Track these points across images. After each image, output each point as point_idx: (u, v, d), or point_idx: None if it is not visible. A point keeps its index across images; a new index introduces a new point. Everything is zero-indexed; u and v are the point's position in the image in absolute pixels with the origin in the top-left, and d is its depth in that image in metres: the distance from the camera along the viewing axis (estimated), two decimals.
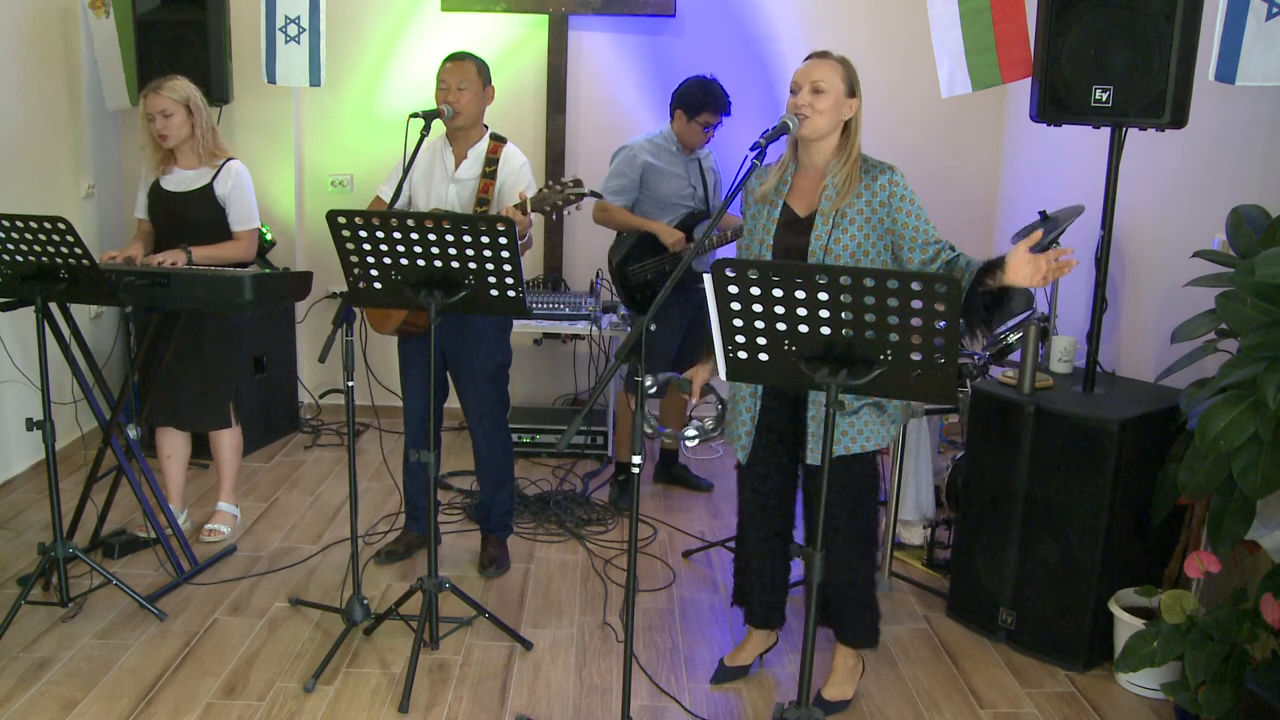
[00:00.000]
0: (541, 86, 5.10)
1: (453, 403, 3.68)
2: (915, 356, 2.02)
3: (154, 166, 3.61)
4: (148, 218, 3.66)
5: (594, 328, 4.69)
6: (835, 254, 2.56)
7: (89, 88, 4.76)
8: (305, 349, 5.30)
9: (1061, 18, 3.12)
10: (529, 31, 5.08)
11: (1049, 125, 3.24)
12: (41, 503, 4.06)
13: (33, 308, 3.01)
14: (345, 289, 2.86)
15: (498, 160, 3.39)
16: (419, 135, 3.25)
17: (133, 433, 3.51)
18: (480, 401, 3.52)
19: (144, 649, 3.06)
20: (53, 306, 3.17)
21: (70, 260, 2.93)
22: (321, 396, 5.44)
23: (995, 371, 3.47)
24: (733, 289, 2.05)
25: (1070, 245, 3.87)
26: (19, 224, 2.85)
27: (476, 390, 3.51)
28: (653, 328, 2.22)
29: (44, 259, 2.94)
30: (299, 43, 4.40)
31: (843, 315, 2.01)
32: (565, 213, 3.15)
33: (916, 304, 1.94)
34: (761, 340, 2.11)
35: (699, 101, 3.99)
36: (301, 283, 3.47)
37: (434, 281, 2.77)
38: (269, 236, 4.78)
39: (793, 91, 2.58)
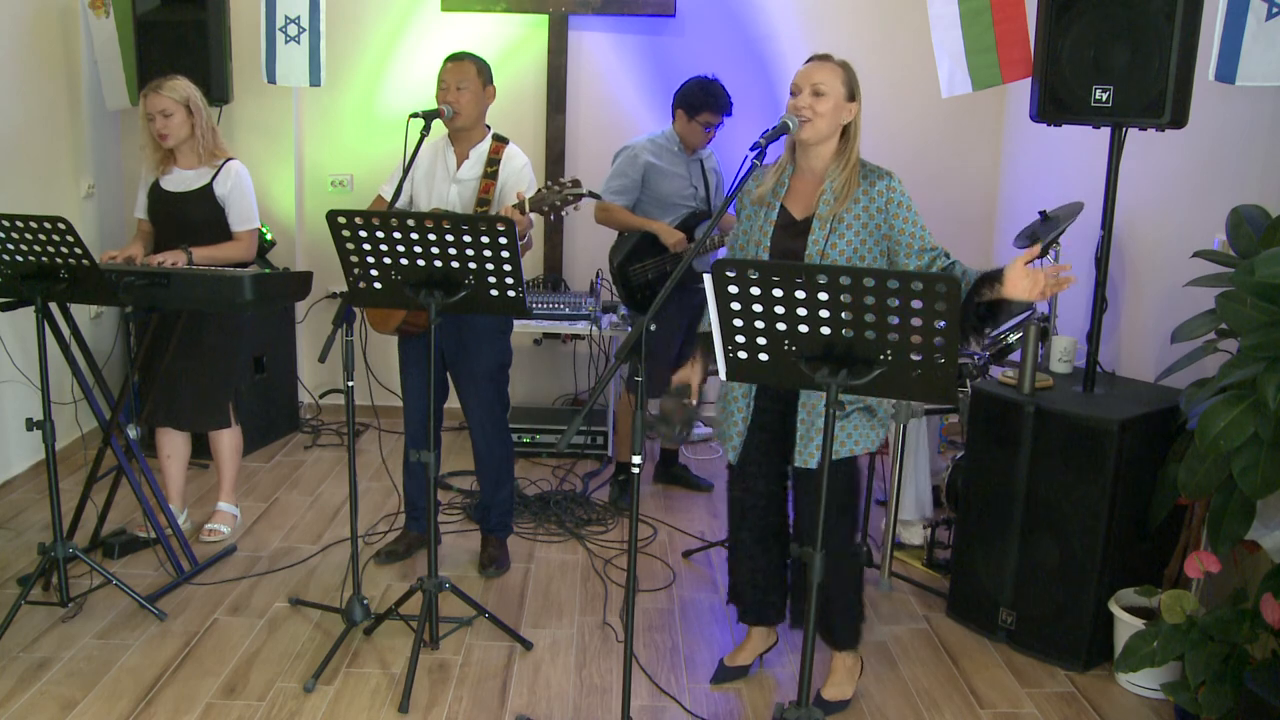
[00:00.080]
0: (541, 86, 5.10)
1: (453, 403, 3.68)
2: (915, 356, 2.02)
3: (154, 166, 3.61)
4: (148, 218, 3.66)
5: (594, 328, 4.69)
6: (832, 258, 2.56)
7: (89, 88, 4.76)
8: (305, 349, 5.30)
9: (1061, 18, 3.12)
10: (529, 31, 5.08)
11: (1049, 125, 3.24)
12: (41, 503, 4.06)
13: (33, 308, 3.01)
14: (345, 289, 2.86)
15: (499, 160, 3.39)
16: (419, 135, 3.25)
17: (133, 433, 3.51)
18: (480, 401, 3.52)
19: (144, 649, 3.06)
20: (53, 306, 3.17)
21: (70, 260, 2.92)
22: (321, 396, 5.44)
23: (995, 371, 3.47)
24: (733, 289, 2.05)
25: (1070, 246, 3.89)
26: (19, 224, 2.85)
27: (476, 390, 3.51)
28: (653, 328, 2.22)
29: (44, 259, 2.94)
30: (299, 43, 4.40)
31: (843, 315, 2.01)
32: (564, 213, 3.15)
33: (916, 304, 1.94)
34: (761, 340, 2.11)
35: (700, 101, 3.99)
36: (301, 283, 3.47)
37: (434, 281, 2.77)
38: (269, 236, 4.78)
39: (793, 94, 2.58)
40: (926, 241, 2.56)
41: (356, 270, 2.79)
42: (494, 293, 2.77)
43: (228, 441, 3.86)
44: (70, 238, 2.85)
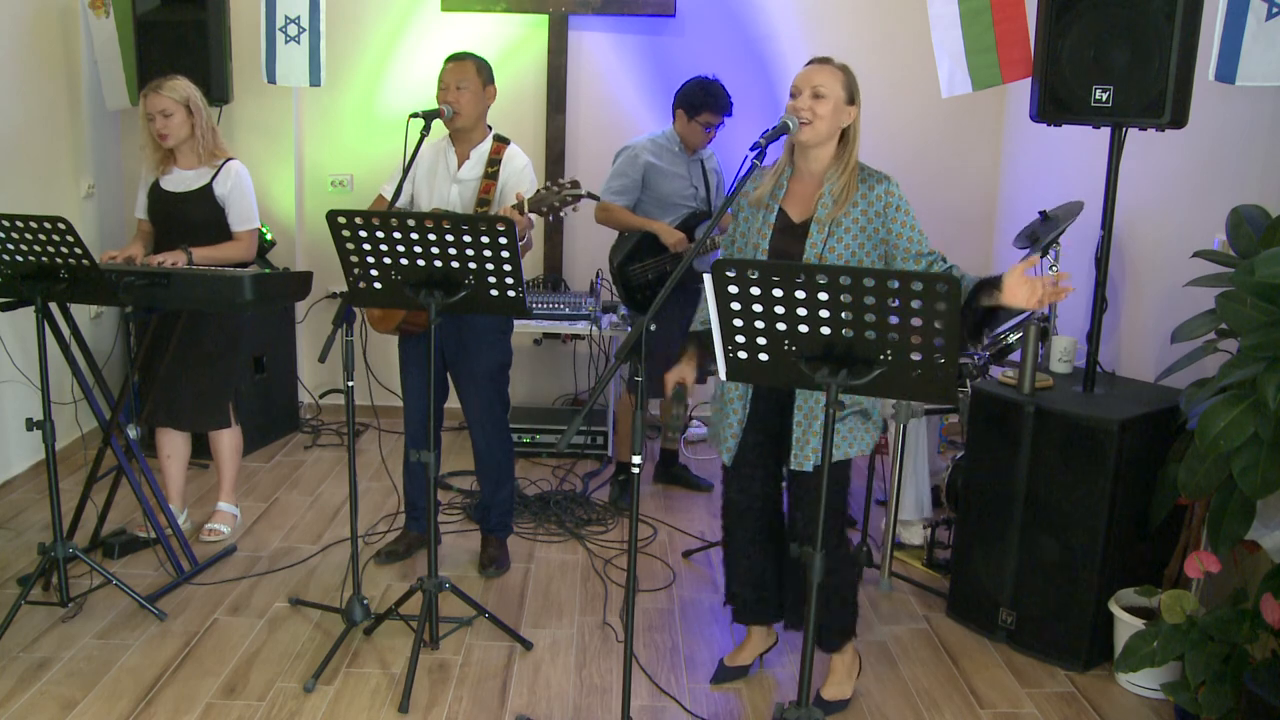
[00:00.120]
0: (541, 86, 5.10)
1: (453, 402, 3.68)
2: (915, 356, 2.02)
3: (154, 166, 3.61)
4: (148, 218, 3.66)
5: (594, 328, 4.69)
6: (830, 262, 2.56)
7: (89, 88, 4.76)
8: (305, 349, 5.30)
9: (1061, 18, 3.12)
10: (529, 31, 5.08)
11: (1049, 125, 3.24)
12: (41, 503, 4.06)
13: (33, 308, 3.01)
14: (345, 289, 2.86)
15: (500, 161, 3.39)
16: (419, 135, 3.25)
17: (133, 433, 3.51)
18: (480, 401, 3.52)
19: (144, 649, 3.06)
20: (53, 306, 3.17)
21: (70, 260, 2.92)
22: (321, 396, 5.44)
23: (995, 371, 3.47)
24: (733, 289, 2.05)
25: (1070, 246, 3.89)
26: (19, 224, 2.85)
27: (476, 390, 3.51)
28: (653, 328, 2.22)
29: (44, 259, 2.94)
30: (299, 43, 4.40)
31: (843, 315, 2.01)
32: (563, 214, 3.15)
33: (916, 304, 1.94)
34: (761, 340, 2.11)
35: (700, 101, 3.99)
36: (301, 283, 3.46)
37: (434, 281, 2.77)
38: (269, 236, 4.78)
39: (792, 95, 2.58)
40: (924, 246, 2.57)
41: (356, 270, 2.79)
42: (494, 293, 2.77)
43: (228, 441, 3.86)
44: (70, 238, 2.85)
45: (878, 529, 3.89)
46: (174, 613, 3.26)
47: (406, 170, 3.27)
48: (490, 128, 3.48)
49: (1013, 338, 3.75)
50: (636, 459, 2.25)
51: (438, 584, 3.03)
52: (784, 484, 2.81)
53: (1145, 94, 2.98)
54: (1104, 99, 3.05)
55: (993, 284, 2.39)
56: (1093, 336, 3.25)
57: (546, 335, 5.21)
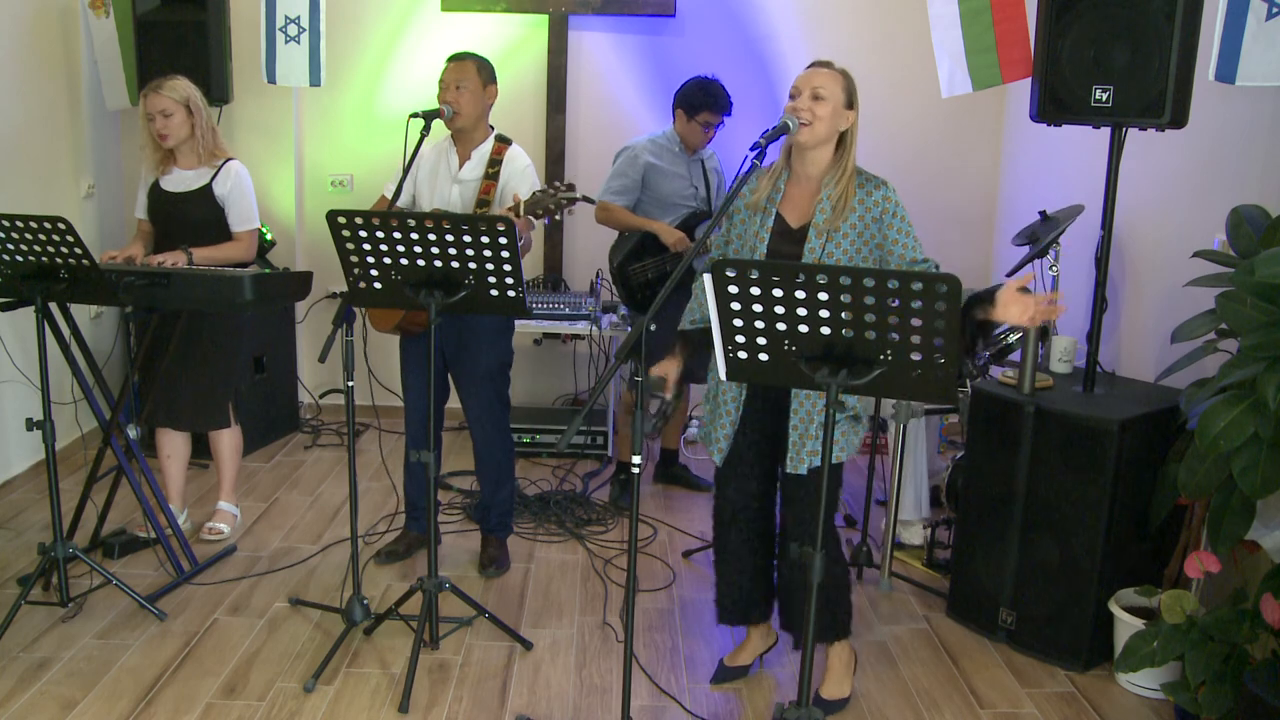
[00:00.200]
0: (541, 86, 5.10)
1: (454, 403, 3.68)
2: (915, 356, 2.02)
3: (154, 166, 3.61)
4: (148, 218, 3.66)
5: (594, 328, 4.70)
6: None
7: (89, 88, 4.76)
8: (305, 349, 5.30)
9: (1061, 18, 3.12)
10: (529, 31, 5.08)
11: (1049, 125, 3.24)
12: (41, 503, 4.06)
13: (33, 308, 3.01)
14: (345, 289, 2.86)
15: (501, 161, 3.39)
16: (419, 135, 3.25)
17: (133, 433, 3.51)
18: (480, 401, 3.52)
19: (144, 649, 3.06)
20: (53, 306, 3.17)
21: (70, 260, 2.92)
22: (321, 396, 5.44)
23: (995, 371, 3.47)
24: (733, 289, 2.05)
25: (1070, 246, 3.88)
26: (19, 224, 2.85)
27: (476, 390, 3.51)
28: (653, 328, 2.21)
29: (44, 259, 2.94)
30: (299, 43, 4.40)
31: (843, 315, 2.01)
32: (557, 217, 3.15)
33: (916, 304, 1.94)
34: (761, 340, 2.11)
35: (699, 101, 3.99)
36: (301, 283, 3.47)
37: (434, 281, 2.77)
38: (269, 236, 4.78)
39: (792, 96, 2.58)
40: (919, 254, 2.57)
41: (356, 270, 2.79)
42: (494, 293, 2.78)
43: (228, 441, 3.86)
44: (70, 238, 2.85)
45: (878, 529, 3.89)
46: (174, 613, 3.27)
47: (406, 170, 3.27)
48: (492, 128, 3.48)
49: (1013, 338, 3.74)
50: (636, 459, 2.25)
51: (438, 584, 3.03)
52: (776, 484, 2.81)
53: (1145, 94, 2.99)
54: (1104, 99, 3.05)
55: (985, 298, 2.39)
56: (1093, 336, 3.25)
57: (546, 335, 5.21)
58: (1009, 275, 3.81)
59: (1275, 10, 2.84)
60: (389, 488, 4.36)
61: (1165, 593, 2.82)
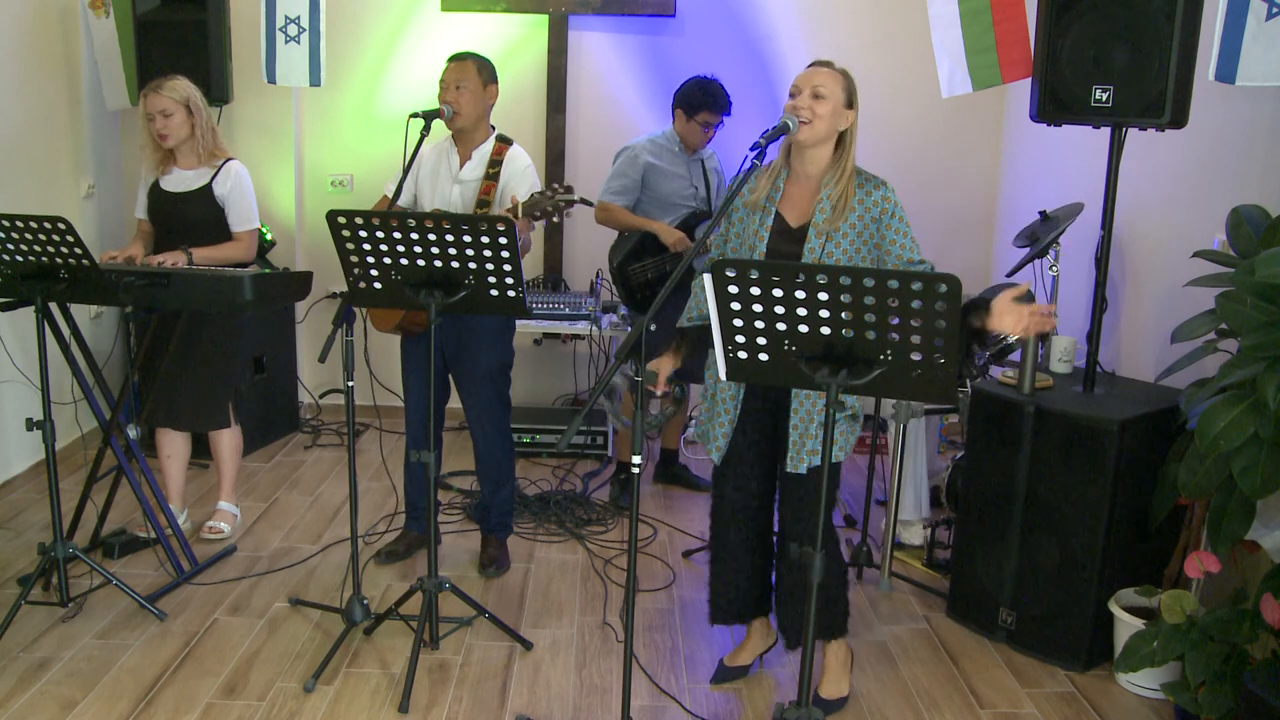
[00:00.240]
0: (541, 86, 5.10)
1: (454, 403, 3.68)
2: (915, 356, 2.02)
3: (154, 166, 3.61)
4: (148, 218, 3.66)
5: (594, 328, 4.70)
6: None
7: (89, 88, 4.76)
8: (305, 349, 5.30)
9: (1061, 18, 3.12)
10: (529, 31, 5.08)
11: (1049, 125, 3.24)
12: (41, 503, 4.06)
13: (33, 308, 3.01)
14: (345, 289, 2.86)
15: (501, 162, 3.39)
16: (419, 135, 3.25)
17: (133, 433, 3.51)
18: (480, 401, 3.52)
19: (144, 649, 3.06)
20: (53, 306, 3.17)
21: (70, 260, 2.92)
22: (321, 396, 5.44)
23: (995, 371, 3.47)
24: (733, 289, 2.05)
25: (1070, 246, 3.88)
26: (19, 224, 2.85)
27: (476, 390, 3.51)
28: (653, 328, 2.22)
29: (44, 259, 2.94)
30: (299, 43, 4.40)
31: (843, 315, 2.01)
32: (554, 219, 3.14)
33: (916, 304, 1.94)
34: (761, 340, 2.11)
35: (698, 101, 3.99)
36: (301, 283, 3.47)
37: (434, 281, 2.77)
38: (269, 236, 4.78)
39: (792, 95, 2.58)
40: (915, 255, 2.57)
41: (356, 270, 2.79)
42: (494, 293, 2.77)
43: (228, 441, 3.86)
44: (70, 238, 2.85)
45: (878, 529, 3.89)
46: (174, 613, 3.27)
47: (406, 170, 3.27)
48: (494, 128, 3.47)
49: (1012, 338, 3.74)
50: (636, 459, 2.25)
51: (438, 584, 3.03)
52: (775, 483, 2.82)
53: (1145, 94, 2.98)
54: (1104, 99, 3.05)
55: (980, 306, 2.39)
56: (1093, 336, 3.25)
57: (546, 335, 5.21)
58: (1009, 275, 3.82)
59: (1275, 10, 2.84)
60: (389, 488, 4.36)
61: (1165, 593, 2.82)
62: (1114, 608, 3.00)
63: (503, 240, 2.64)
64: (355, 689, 2.89)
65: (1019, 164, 5.04)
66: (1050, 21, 3.15)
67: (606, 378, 2.40)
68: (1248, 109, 3.24)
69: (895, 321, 1.98)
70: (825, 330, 2.04)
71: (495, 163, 3.39)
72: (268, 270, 3.70)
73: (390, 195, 3.44)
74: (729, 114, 4.07)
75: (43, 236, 2.86)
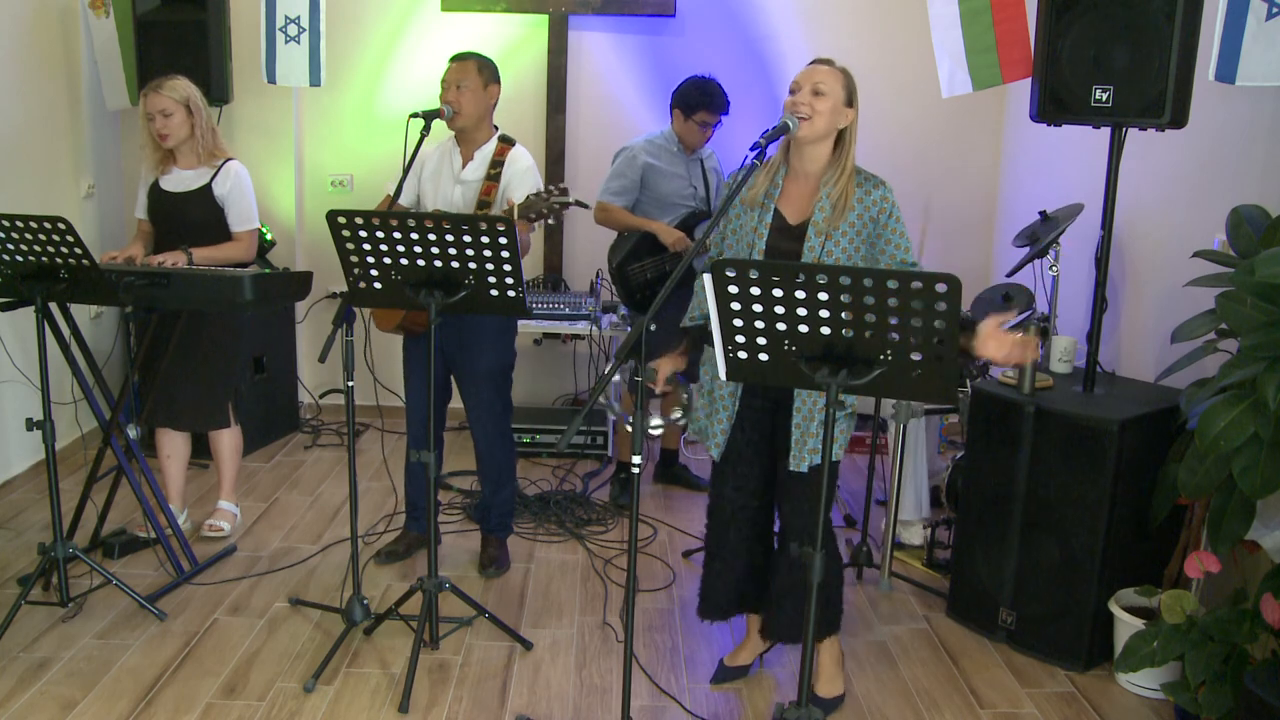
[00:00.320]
0: (541, 86, 5.10)
1: (455, 403, 3.68)
2: (915, 356, 2.02)
3: (154, 166, 3.61)
4: (148, 218, 3.66)
5: (594, 328, 4.70)
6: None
7: (89, 88, 4.76)
8: (305, 349, 5.30)
9: (1061, 18, 3.12)
10: (529, 31, 5.08)
11: (1049, 125, 3.24)
12: (41, 503, 4.06)
13: (33, 308, 3.01)
14: (345, 289, 2.86)
15: (503, 162, 3.39)
16: (419, 135, 3.25)
17: (133, 433, 3.51)
18: (481, 402, 3.52)
19: (144, 649, 3.06)
20: (53, 306, 3.17)
21: (70, 260, 2.92)
22: (321, 396, 5.44)
23: (995, 371, 3.47)
24: (733, 289, 2.05)
25: (1070, 246, 3.88)
26: (19, 224, 2.85)
27: (477, 390, 3.51)
28: (653, 328, 2.22)
29: (44, 259, 2.94)
30: (299, 43, 4.40)
31: (843, 315, 2.01)
32: (550, 221, 3.14)
33: (916, 304, 1.94)
34: (761, 340, 2.11)
35: (696, 101, 3.99)
36: (301, 283, 3.47)
37: (434, 281, 2.77)
38: (269, 236, 4.78)
39: (792, 92, 2.58)
40: (909, 256, 2.57)
41: (356, 270, 2.79)
42: (494, 293, 2.77)
43: (228, 441, 3.86)
44: (70, 238, 2.85)
45: (878, 529, 3.89)
46: (174, 613, 3.27)
47: (407, 170, 3.27)
48: (496, 128, 3.47)
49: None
50: (636, 459, 2.25)
51: (438, 584, 3.03)
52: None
53: (1145, 94, 2.98)
54: (1104, 99, 3.05)
55: (968, 326, 2.38)
56: (1093, 336, 3.25)
57: (546, 335, 5.21)
58: (1009, 275, 3.82)
59: (1275, 10, 2.84)
60: (389, 488, 4.36)
61: (1165, 593, 2.82)
62: (1114, 608, 3.00)
63: (503, 240, 2.64)
64: (355, 689, 2.89)
65: (1019, 164, 5.03)
66: (1050, 21, 3.14)
67: (607, 377, 2.40)
68: (1248, 109, 3.24)
69: (895, 321, 1.98)
70: (825, 330, 2.04)
71: (497, 163, 3.39)
72: (268, 270, 3.70)
73: (392, 194, 3.44)
74: (727, 113, 4.07)
75: (43, 236, 2.86)
